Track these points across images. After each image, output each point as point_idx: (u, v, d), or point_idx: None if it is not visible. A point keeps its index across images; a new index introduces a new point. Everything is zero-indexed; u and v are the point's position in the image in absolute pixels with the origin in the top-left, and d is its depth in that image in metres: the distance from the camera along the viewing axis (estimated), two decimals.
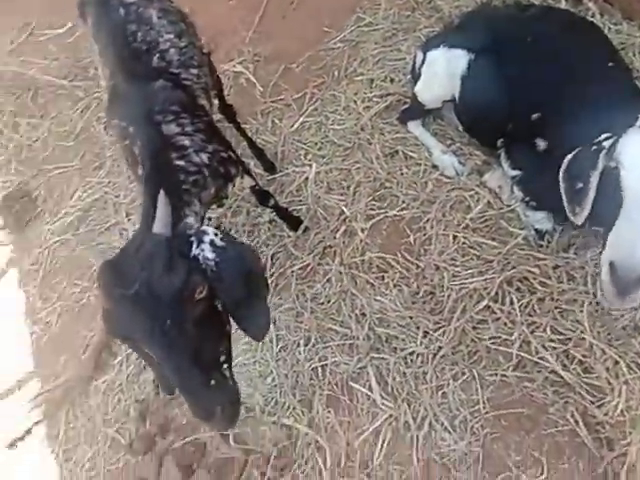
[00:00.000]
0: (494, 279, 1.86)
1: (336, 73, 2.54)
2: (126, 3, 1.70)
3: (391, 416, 1.81)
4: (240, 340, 1.99)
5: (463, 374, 1.80)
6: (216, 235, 1.19)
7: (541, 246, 1.88)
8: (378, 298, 1.98)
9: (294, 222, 2.19)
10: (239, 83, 2.70)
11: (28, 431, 2.23)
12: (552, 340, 1.75)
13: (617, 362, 1.68)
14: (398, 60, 2.45)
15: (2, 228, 2.80)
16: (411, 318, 1.91)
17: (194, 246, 1.17)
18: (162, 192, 1.22)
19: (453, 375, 1.81)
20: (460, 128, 2.13)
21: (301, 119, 2.46)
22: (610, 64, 1.72)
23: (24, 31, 3.49)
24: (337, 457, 1.80)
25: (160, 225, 1.16)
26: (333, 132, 2.37)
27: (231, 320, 1.25)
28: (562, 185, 1.51)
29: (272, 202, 2.06)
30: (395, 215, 2.11)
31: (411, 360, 1.87)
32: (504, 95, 1.83)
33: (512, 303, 1.83)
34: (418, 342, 1.87)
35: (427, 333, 1.87)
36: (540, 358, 1.73)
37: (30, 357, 2.41)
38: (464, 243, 1.97)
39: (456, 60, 1.94)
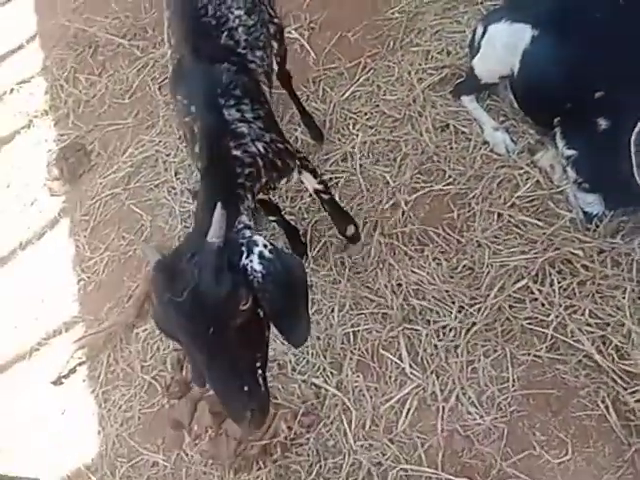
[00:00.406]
0: (536, 259, 1.84)
1: (392, 44, 2.51)
2: None
3: (419, 386, 1.83)
4: None
5: (495, 351, 1.80)
6: (265, 247, 1.20)
7: (588, 229, 1.85)
8: (415, 270, 1.99)
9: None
10: (293, 49, 2.69)
11: (72, 370, 2.35)
12: (589, 324, 1.73)
13: None
14: (457, 33, 2.40)
15: (57, 179, 2.91)
16: (447, 292, 1.91)
17: (244, 256, 1.19)
18: (219, 204, 1.21)
19: (485, 351, 1.81)
20: (515, 105, 2.09)
21: (352, 88, 2.45)
22: None
23: None
24: (362, 420, 1.83)
25: (214, 234, 1.17)
26: (384, 102, 2.36)
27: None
28: (633, 150, 1.47)
29: (351, 230, 2.00)
30: (440, 189, 2.10)
31: (443, 333, 1.88)
32: (566, 72, 1.78)
33: (552, 284, 1.81)
34: (452, 316, 1.87)
35: (462, 308, 1.88)
36: (575, 341, 1.71)
37: (76, 302, 2.52)
38: (509, 221, 1.94)
39: (518, 35, 1.89)
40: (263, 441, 1.83)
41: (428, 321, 1.90)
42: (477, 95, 2.20)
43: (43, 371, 2.37)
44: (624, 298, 1.72)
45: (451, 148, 2.16)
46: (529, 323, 1.79)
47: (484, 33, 2.05)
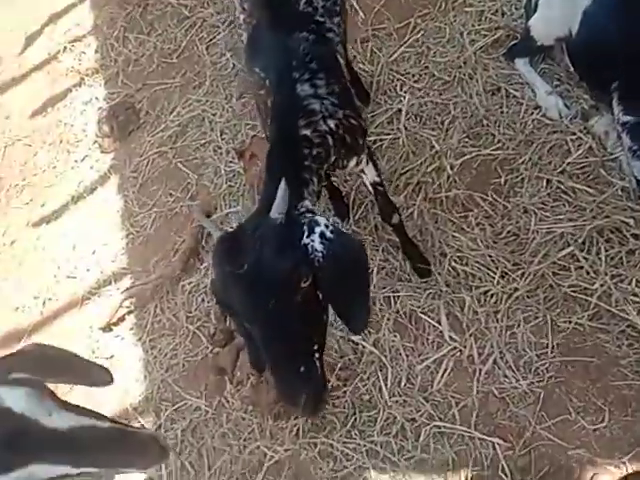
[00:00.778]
0: (584, 227, 1.81)
1: (443, 4, 2.44)
2: None
3: (456, 348, 1.85)
4: None
5: (536, 318, 1.80)
6: (327, 227, 1.19)
7: None
8: (457, 235, 1.98)
9: (419, 260, 1.96)
10: None
11: (121, 318, 2.47)
12: (635, 294, 1.70)
13: None
14: None
15: (107, 136, 2.99)
16: (490, 257, 1.90)
17: (305, 235, 1.18)
18: (283, 181, 1.20)
19: (525, 317, 1.81)
20: (571, 69, 2.02)
21: (401, 49, 2.41)
22: None
23: None
24: (398, 377, 1.88)
25: (277, 210, 1.17)
26: (433, 64, 2.32)
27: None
28: None
29: (396, 219, 1.85)
30: (489, 154, 2.07)
31: (485, 299, 1.88)
32: (628, 34, 1.72)
33: (599, 253, 1.78)
34: (495, 282, 1.87)
35: (505, 274, 1.87)
36: (620, 310, 1.69)
37: (125, 255, 2.63)
38: (558, 188, 1.91)
39: None
40: None
41: (470, 287, 1.90)
42: (532, 58, 2.13)
43: (94, 318, 2.50)
44: None
45: (502, 112, 2.12)
46: (573, 291, 1.78)
47: None
